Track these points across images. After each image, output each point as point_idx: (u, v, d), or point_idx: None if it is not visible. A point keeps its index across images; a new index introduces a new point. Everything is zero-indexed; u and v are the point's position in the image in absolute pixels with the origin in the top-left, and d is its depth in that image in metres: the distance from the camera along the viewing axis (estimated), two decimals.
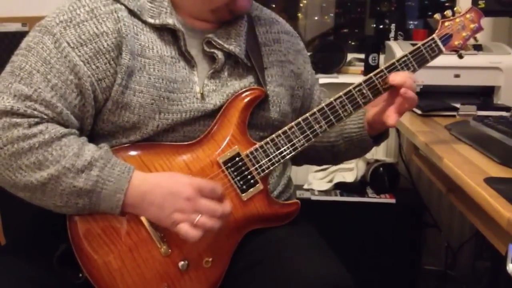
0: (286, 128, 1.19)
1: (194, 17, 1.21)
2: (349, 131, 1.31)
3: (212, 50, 1.19)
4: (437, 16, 1.29)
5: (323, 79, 2.33)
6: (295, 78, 1.33)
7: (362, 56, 2.47)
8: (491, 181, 1.11)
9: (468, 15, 1.29)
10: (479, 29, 1.30)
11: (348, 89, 1.21)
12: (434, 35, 1.27)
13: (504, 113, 1.67)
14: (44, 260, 1.08)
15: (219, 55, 1.19)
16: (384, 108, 1.23)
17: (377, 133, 1.30)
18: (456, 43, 1.28)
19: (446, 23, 1.28)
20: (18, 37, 1.20)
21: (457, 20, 1.28)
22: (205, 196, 1.08)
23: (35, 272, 1.08)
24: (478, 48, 1.82)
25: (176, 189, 1.07)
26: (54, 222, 1.11)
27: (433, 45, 1.26)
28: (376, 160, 2.30)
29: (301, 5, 3.06)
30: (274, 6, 2.96)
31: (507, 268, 1.01)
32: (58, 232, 1.11)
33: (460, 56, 1.32)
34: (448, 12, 1.29)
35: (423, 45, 1.25)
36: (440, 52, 1.26)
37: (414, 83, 1.20)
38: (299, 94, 1.34)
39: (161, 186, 1.07)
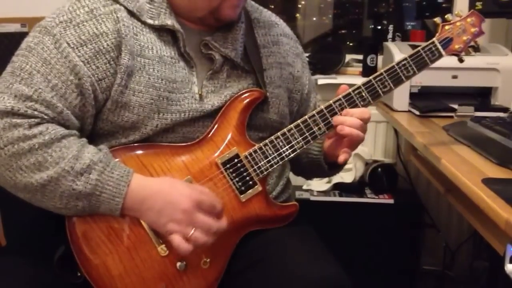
0: (285, 130, 1.19)
1: (189, 21, 1.21)
2: (311, 151, 1.31)
3: (210, 52, 1.20)
4: (437, 19, 1.29)
5: (322, 80, 2.34)
6: (294, 81, 1.33)
7: (360, 57, 2.48)
8: (489, 182, 1.12)
9: (469, 19, 1.28)
10: (480, 33, 1.29)
11: (347, 91, 1.21)
12: (434, 39, 1.27)
13: (501, 114, 1.68)
14: (44, 261, 1.09)
15: (217, 56, 1.19)
16: (336, 142, 1.23)
17: (333, 161, 1.29)
18: (456, 46, 1.28)
19: (447, 27, 1.28)
20: (18, 37, 1.20)
21: (458, 24, 1.28)
22: (203, 210, 1.08)
23: (36, 272, 1.08)
24: (475, 49, 1.83)
25: (175, 200, 1.07)
26: (53, 223, 1.12)
27: (433, 48, 1.26)
28: (375, 161, 2.31)
29: (299, 6, 3.06)
30: (272, 7, 2.96)
31: (505, 268, 1.01)
32: (57, 232, 1.11)
33: (461, 60, 1.31)
34: (448, 16, 1.29)
35: (423, 48, 1.25)
36: (440, 56, 1.26)
37: (357, 120, 1.18)
38: (297, 98, 1.34)
39: (161, 192, 1.08)
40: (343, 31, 3.10)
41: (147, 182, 1.09)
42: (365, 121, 1.19)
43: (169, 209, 1.07)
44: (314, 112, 1.20)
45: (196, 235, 1.07)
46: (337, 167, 1.33)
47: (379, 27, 2.68)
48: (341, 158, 1.21)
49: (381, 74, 1.22)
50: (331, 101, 1.21)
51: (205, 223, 1.08)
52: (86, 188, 1.05)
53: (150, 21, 1.15)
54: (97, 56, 1.10)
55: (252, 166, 1.17)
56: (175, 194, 1.08)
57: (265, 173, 1.18)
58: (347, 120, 1.18)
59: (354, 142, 1.21)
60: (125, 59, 1.11)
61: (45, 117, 1.06)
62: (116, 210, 1.07)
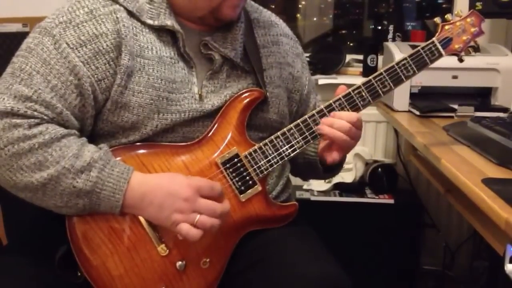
0: (285, 129, 1.19)
1: (189, 20, 1.21)
2: (308, 152, 1.32)
3: (209, 52, 1.20)
4: (437, 19, 1.29)
5: (322, 80, 2.34)
6: (293, 81, 1.33)
7: (361, 57, 2.48)
8: (489, 182, 1.12)
9: (468, 19, 1.29)
10: (480, 33, 1.29)
11: (347, 91, 1.21)
12: (434, 39, 1.27)
13: (501, 114, 1.68)
14: (45, 260, 1.09)
15: (216, 56, 1.20)
16: (328, 144, 1.24)
17: (329, 164, 1.29)
18: (456, 46, 1.28)
19: (446, 27, 1.28)
20: (19, 37, 1.20)
21: (458, 23, 1.28)
22: (204, 196, 1.08)
23: (36, 272, 1.08)
24: (475, 49, 1.83)
25: (174, 190, 1.07)
26: (54, 223, 1.12)
27: (433, 48, 1.26)
28: (375, 161, 2.31)
29: (300, 6, 3.06)
30: (273, 7, 2.97)
31: (505, 268, 1.01)
32: (58, 232, 1.11)
33: (461, 60, 1.31)
34: (448, 16, 1.29)
35: (422, 48, 1.25)
36: (440, 55, 1.26)
37: (346, 123, 1.17)
38: (296, 98, 1.34)
39: (160, 186, 1.08)
40: (343, 31, 3.11)
41: (146, 178, 1.09)
42: (354, 124, 1.19)
43: (170, 200, 1.07)
44: (314, 112, 1.20)
45: (202, 220, 1.06)
46: (332, 170, 1.34)
47: (380, 27, 2.69)
48: (329, 158, 1.22)
49: (381, 74, 1.23)
50: (331, 101, 1.21)
51: (208, 206, 1.08)
52: (87, 186, 1.05)
53: (149, 22, 1.15)
54: (97, 56, 1.10)
55: (252, 166, 1.17)
56: (173, 185, 1.08)
57: (265, 172, 1.18)
58: (336, 123, 1.18)
59: (342, 146, 1.21)
60: (125, 60, 1.11)
61: (45, 117, 1.06)
62: (116, 207, 1.07)
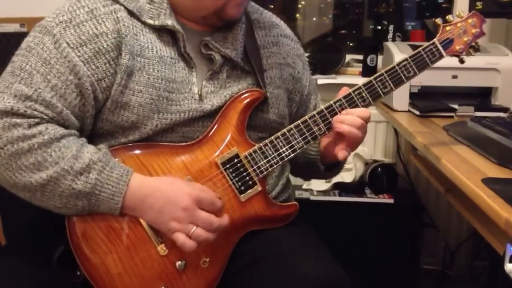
0: (285, 130, 1.19)
1: (190, 20, 1.21)
2: (309, 151, 1.32)
3: (210, 52, 1.20)
4: (438, 20, 1.29)
5: (322, 80, 2.34)
6: (294, 82, 1.33)
7: (360, 57, 2.49)
8: (489, 182, 1.12)
9: (469, 20, 1.29)
10: (481, 34, 1.29)
11: (347, 92, 1.21)
12: (435, 39, 1.27)
13: (501, 114, 1.68)
14: (44, 260, 1.09)
15: (217, 56, 1.20)
16: (334, 141, 1.23)
17: (331, 162, 1.29)
18: (457, 47, 1.28)
19: (447, 28, 1.28)
20: (17, 37, 1.20)
21: (459, 24, 1.28)
22: (203, 208, 1.08)
23: (35, 272, 1.08)
24: (475, 49, 1.84)
25: (175, 197, 1.07)
26: (53, 222, 1.12)
27: (434, 49, 1.26)
28: (375, 161, 2.31)
29: (300, 6, 3.06)
30: (272, 7, 2.97)
31: (505, 268, 1.01)
32: (57, 232, 1.11)
33: (462, 61, 1.32)
34: (449, 17, 1.29)
35: (423, 49, 1.25)
36: (441, 56, 1.26)
37: (358, 119, 1.18)
38: (296, 99, 1.34)
39: (161, 190, 1.08)
40: (343, 31, 3.11)
41: (146, 181, 1.09)
42: (366, 120, 1.19)
43: (170, 207, 1.07)
44: (314, 112, 1.20)
45: (198, 232, 1.07)
46: (333, 169, 1.33)
47: (379, 27, 2.69)
48: (340, 155, 1.21)
49: (382, 74, 1.22)
50: (331, 102, 1.21)
51: (206, 219, 1.08)
52: (86, 188, 1.05)
53: (150, 21, 1.15)
54: (97, 56, 1.10)
55: (252, 166, 1.17)
56: (174, 192, 1.08)
57: (264, 173, 1.18)
58: (347, 119, 1.18)
59: (353, 142, 1.21)
60: (125, 59, 1.11)
61: (45, 117, 1.06)
62: (115, 210, 1.07)
